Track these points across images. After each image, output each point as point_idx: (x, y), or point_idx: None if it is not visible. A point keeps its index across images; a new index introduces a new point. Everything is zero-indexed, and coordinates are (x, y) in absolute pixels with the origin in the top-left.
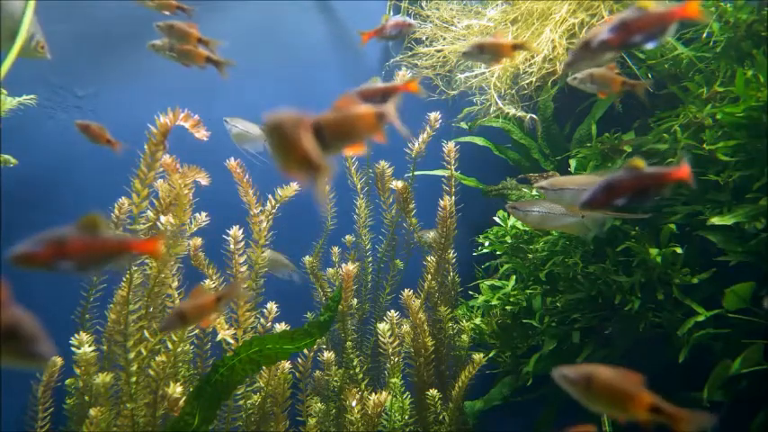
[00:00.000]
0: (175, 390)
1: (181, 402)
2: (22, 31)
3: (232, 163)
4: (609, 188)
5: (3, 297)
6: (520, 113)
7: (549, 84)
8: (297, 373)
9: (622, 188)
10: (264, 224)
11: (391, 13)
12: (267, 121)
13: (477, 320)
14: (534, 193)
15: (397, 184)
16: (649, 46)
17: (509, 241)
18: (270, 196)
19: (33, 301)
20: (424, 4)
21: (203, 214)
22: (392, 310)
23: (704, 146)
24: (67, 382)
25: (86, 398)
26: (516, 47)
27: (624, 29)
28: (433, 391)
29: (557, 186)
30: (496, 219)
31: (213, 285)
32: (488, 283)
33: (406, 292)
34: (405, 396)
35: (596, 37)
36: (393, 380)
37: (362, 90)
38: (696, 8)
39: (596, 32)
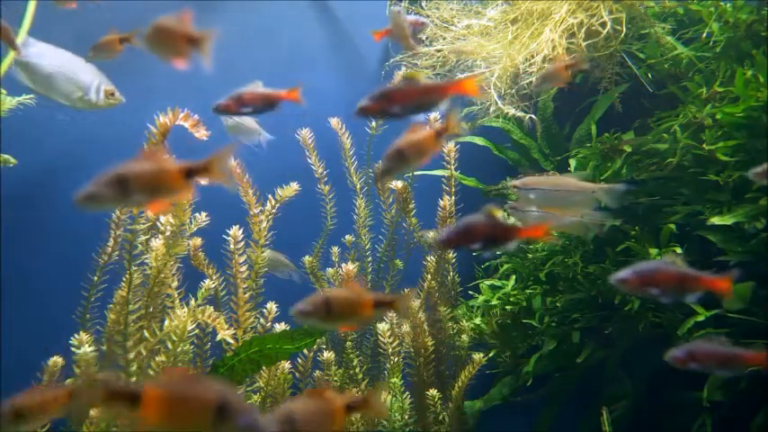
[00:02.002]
0: None
1: None
2: (23, 33)
3: (232, 163)
4: (465, 231)
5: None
6: (519, 113)
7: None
8: (297, 374)
9: (477, 233)
10: (264, 224)
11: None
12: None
13: (477, 320)
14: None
15: (397, 184)
16: (421, 117)
17: None
18: (270, 196)
19: (35, 300)
20: (423, 3)
21: (203, 214)
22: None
23: (704, 146)
24: (67, 382)
25: None
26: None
27: (388, 98)
28: (433, 391)
29: (528, 186)
30: None
31: (213, 286)
32: (488, 282)
33: (406, 292)
34: (405, 396)
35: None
36: (393, 380)
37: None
38: (473, 86)
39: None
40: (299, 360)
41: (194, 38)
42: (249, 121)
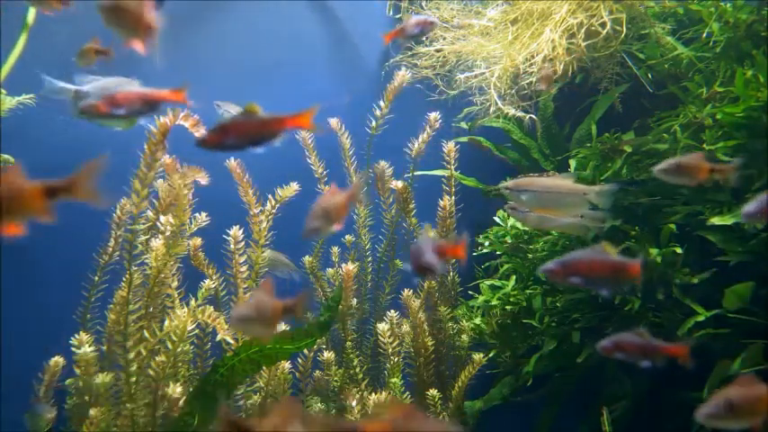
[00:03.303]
0: (175, 390)
1: (180, 402)
2: (23, 35)
3: (232, 163)
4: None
5: None
6: (519, 113)
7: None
8: (297, 373)
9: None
10: (264, 224)
11: (391, 13)
12: None
13: (477, 320)
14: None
15: (397, 184)
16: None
17: (509, 241)
18: (270, 196)
19: (35, 301)
20: (423, 3)
21: (203, 214)
22: (392, 310)
23: (704, 146)
24: (68, 381)
25: (86, 398)
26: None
27: (226, 131)
28: (433, 391)
29: (520, 187)
30: (496, 219)
31: (213, 286)
32: (488, 282)
33: (406, 292)
34: (405, 396)
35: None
36: (393, 380)
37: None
38: (309, 121)
39: None
40: (300, 360)
41: (143, 20)
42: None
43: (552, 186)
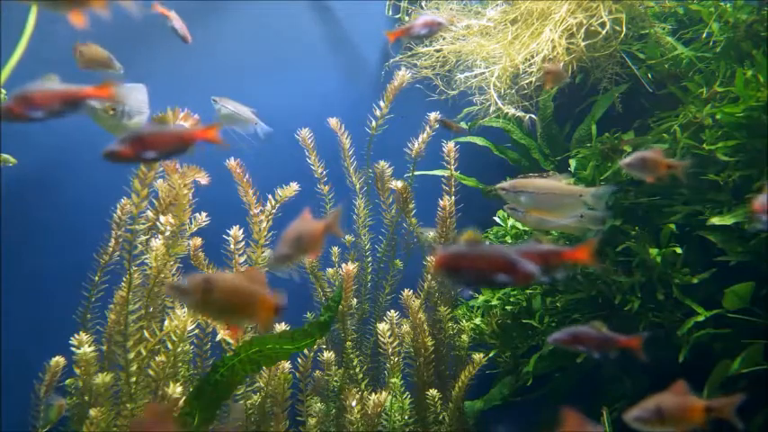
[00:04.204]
0: (175, 390)
1: (180, 402)
2: (25, 36)
3: (232, 163)
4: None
5: None
6: (519, 113)
7: None
8: (297, 373)
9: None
10: (264, 224)
11: (390, 13)
12: None
13: (477, 320)
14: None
15: (397, 184)
16: None
17: (509, 241)
18: (270, 196)
19: (35, 301)
20: (423, 3)
21: (203, 214)
22: (392, 310)
23: (704, 146)
24: (67, 382)
25: (86, 398)
26: None
27: (135, 144)
28: (433, 391)
29: (516, 189)
30: (496, 219)
31: None
32: None
33: (406, 292)
34: (405, 396)
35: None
36: (393, 380)
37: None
38: (215, 134)
39: None
40: (300, 360)
41: None
42: (244, 110)
43: (548, 188)
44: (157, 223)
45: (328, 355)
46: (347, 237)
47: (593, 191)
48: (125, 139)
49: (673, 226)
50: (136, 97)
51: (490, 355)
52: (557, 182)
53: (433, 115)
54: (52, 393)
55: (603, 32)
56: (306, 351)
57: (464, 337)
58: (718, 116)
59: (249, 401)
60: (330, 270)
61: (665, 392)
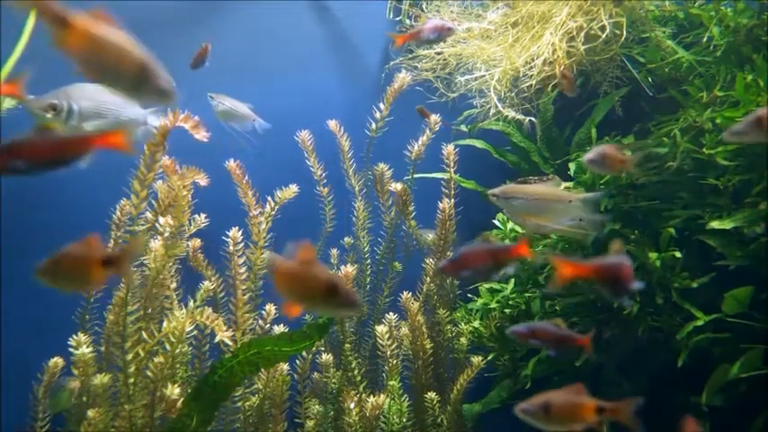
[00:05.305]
0: (173, 391)
1: (179, 404)
2: (24, 35)
3: (231, 164)
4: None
5: None
6: (519, 116)
7: (550, 87)
8: (295, 375)
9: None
10: (264, 225)
11: (391, 15)
12: None
13: (476, 323)
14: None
15: (397, 187)
16: None
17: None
18: (269, 198)
19: (35, 301)
20: (424, 5)
21: (202, 215)
22: (391, 313)
23: (704, 150)
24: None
25: (84, 399)
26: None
27: (13, 153)
28: (432, 394)
29: (507, 195)
30: (496, 222)
31: (212, 287)
32: (487, 286)
33: (405, 295)
34: (403, 399)
35: None
36: (391, 382)
37: None
38: (120, 140)
39: None
40: (298, 362)
41: None
42: (241, 107)
43: (538, 194)
44: (156, 224)
45: (327, 357)
46: (346, 239)
47: (582, 197)
48: None
49: (672, 230)
50: (97, 98)
51: (489, 358)
52: (546, 187)
53: (433, 118)
54: (63, 376)
55: (604, 36)
56: (304, 353)
57: (463, 339)
58: (718, 120)
59: (247, 403)
60: None
61: (559, 390)
